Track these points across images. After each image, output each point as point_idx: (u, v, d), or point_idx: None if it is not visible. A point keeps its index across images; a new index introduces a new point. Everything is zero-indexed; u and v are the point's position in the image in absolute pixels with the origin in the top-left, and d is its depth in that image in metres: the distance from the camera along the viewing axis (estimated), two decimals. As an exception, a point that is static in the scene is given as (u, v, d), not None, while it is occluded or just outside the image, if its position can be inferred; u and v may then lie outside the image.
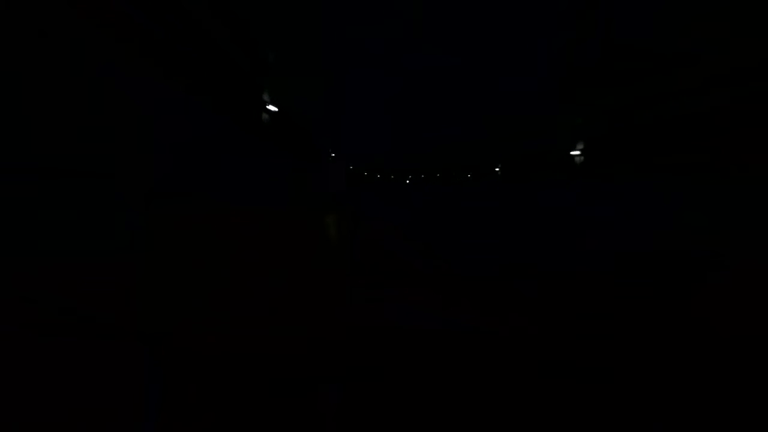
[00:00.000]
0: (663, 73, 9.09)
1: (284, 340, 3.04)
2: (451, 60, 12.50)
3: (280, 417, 2.72)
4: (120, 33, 4.79)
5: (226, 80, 7.62)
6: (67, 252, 3.53)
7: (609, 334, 4.09)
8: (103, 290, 3.24)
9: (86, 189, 4.12)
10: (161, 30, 5.49)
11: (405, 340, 3.74)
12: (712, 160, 7.95)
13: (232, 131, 7.75)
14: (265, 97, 9.26)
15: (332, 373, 3.09)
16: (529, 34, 10.94)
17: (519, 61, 12.31)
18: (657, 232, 7.41)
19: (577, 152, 14.37)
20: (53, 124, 3.90)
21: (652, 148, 10.20)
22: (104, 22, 4.51)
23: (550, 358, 3.58)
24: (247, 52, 8.04)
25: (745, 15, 6.47)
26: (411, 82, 13.42)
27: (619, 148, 12.03)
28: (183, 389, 2.80)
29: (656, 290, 5.38)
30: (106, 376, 2.73)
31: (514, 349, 3.76)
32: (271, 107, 9.60)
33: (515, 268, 7.03)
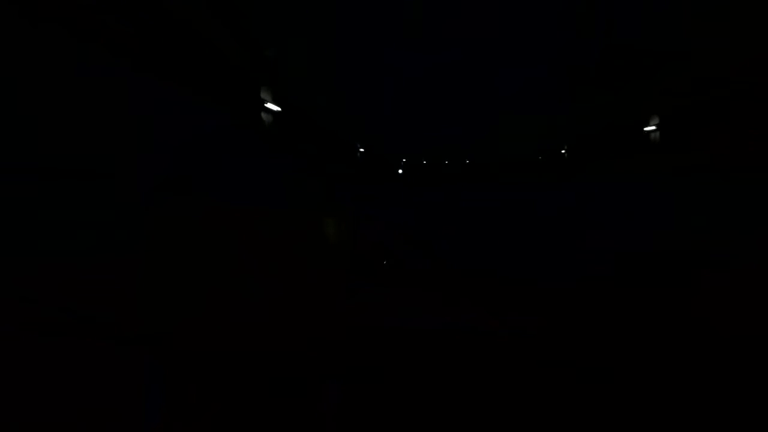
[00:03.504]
0: (663, 73, 9.08)
1: (284, 340, 3.04)
2: (450, 60, 12.49)
3: (280, 417, 2.72)
4: (120, 34, 4.79)
5: (226, 79, 7.61)
6: (67, 252, 3.53)
7: (609, 334, 4.08)
8: (103, 290, 3.24)
9: (86, 189, 4.11)
10: (160, 29, 5.49)
11: (405, 340, 3.74)
12: (712, 160, 7.94)
13: (232, 131, 7.74)
14: (267, 95, 9.27)
15: (332, 372, 3.08)
16: (528, 35, 10.94)
17: (519, 62, 12.30)
18: (657, 232, 7.40)
19: (577, 152, 14.35)
20: (53, 124, 3.89)
21: (652, 147, 10.19)
22: (104, 23, 4.51)
23: (550, 358, 3.58)
24: (248, 50, 8.04)
25: (746, 14, 6.47)
26: (410, 82, 13.41)
27: (618, 148, 12.01)
28: (183, 389, 2.79)
29: (656, 290, 5.37)
30: (106, 376, 2.72)
31: (513, 349, 3.75)
32: (273, 106, 9.62)
33: (515, 268, 7.03)
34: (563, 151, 15.30)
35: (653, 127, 10.32)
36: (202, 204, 3.21)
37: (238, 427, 2.65)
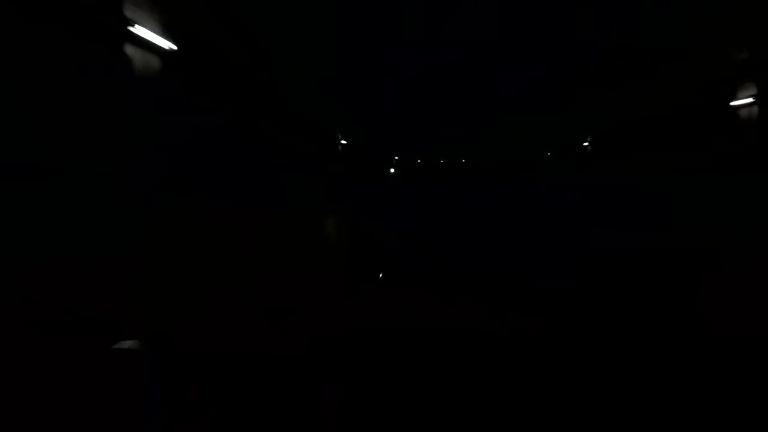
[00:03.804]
0: (664, 73, 9.09)
1: (284, 340, 3.04)
2: (450, 60, 12.49)
3: (280, 417, 2.72)
4: (120, 35, 4.79)
5: (226, 80, 7.61)
6: (67, 252, 3.53)
7: (609, 334, 4.09)
8: (103, 290, 3.24)
9: (86, 189, 4.12)
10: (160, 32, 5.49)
11: (405, 340, 3.74)
12: (712, 160, 7.95)
13: (232, 131, 7.75)
14: (268, 97, 9.27)
15: (332, 372, 3.09)
16: (528, 35, 10.94)
17: (518, 62, 12.30)
18: (657, 232, 7.40)
19: (577, 152, 14.35)
20: (53, 124, 3.89)
21: (652, 147, 10.20)
22: (104, 25, 4.52)
23: (550, 358, 3.58)
24: (248, 51, 8.04)
25: (746, 14, 6.48)
26: (410, 82, 13.41)
27: (618, 148, 12.02)
28: (183, 389, 2.80)
29: (656, 290, 5.37)
30: (106, 376, 2.73)
31: (513, 349, 3.75)
32: (275, 108, 9.62)
33: (515, 267, 7.03)
34: (563, 151, 15.31)
35: (652, 128, 10.32)
36: (202, 204, 3.21)
37: (238, 428, 2.65)
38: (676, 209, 8.00)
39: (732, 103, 7.70)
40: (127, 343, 2.95)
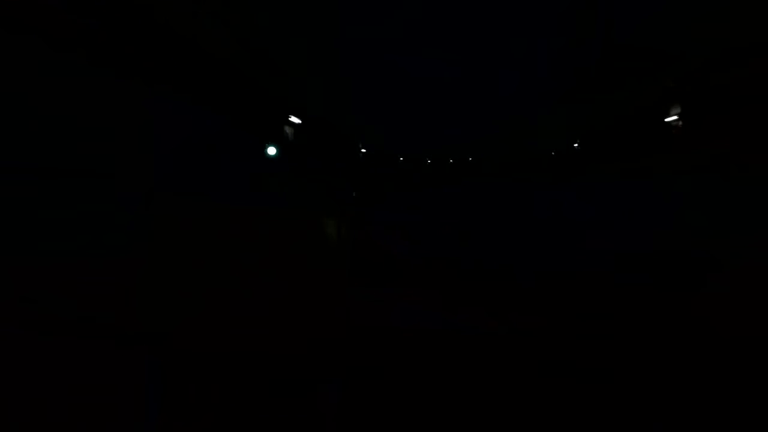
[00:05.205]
0: (663, 73, 9.08)
1: (284, 340, 3.04)
2: (450, 61, 12.50)
3: (280, 417, 2.72)
4: (119, 38, 4.79)
5: (226, 83, 7.61)
6: (67, 252, 3.52)
7: (609, 334, 4.09)
8: (103, 290, 3.24)
9: (86, 189, 4.11)
10: (158, 31, 5.49)
11: (405, 340, 3.74)
12: (712, 160, 7.95)
13: (233, 132, 7.75)
14: (271, 98, 9.27)
15: (332, 372, 3.09)
16: (528, 35, 10.95)
17: (519, 62, 12.31)
18: (657, 232, 7.40)
19: (577, 152, 14.35)
20: (53, 124, 3.89)
21: (652, 147, 10.19)
22: (105, 28, 4.52)
23: (550, 358, 3.58)
24: (249, 54, 8.04)
25: (746, 15, 6.48)
26: (410, 82, 13.42)
27: (618, 148, 12.01)
28: (183, 389, 2.80)
29: (656, 290, 5.37)
30: (106, 375, 2.73)
31: (513, 349, 3.76)
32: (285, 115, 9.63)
33: (515, 268, 7.03)
34: (563, 151, 15.31)
35: (653, 128, 10.32)
36: (202, 204, 3.21)
37: (237, 427, 2.65)
38: (676, 210, 8.00)
39: (731, 103, 7.70)
40: (127, 343, 2.95)
